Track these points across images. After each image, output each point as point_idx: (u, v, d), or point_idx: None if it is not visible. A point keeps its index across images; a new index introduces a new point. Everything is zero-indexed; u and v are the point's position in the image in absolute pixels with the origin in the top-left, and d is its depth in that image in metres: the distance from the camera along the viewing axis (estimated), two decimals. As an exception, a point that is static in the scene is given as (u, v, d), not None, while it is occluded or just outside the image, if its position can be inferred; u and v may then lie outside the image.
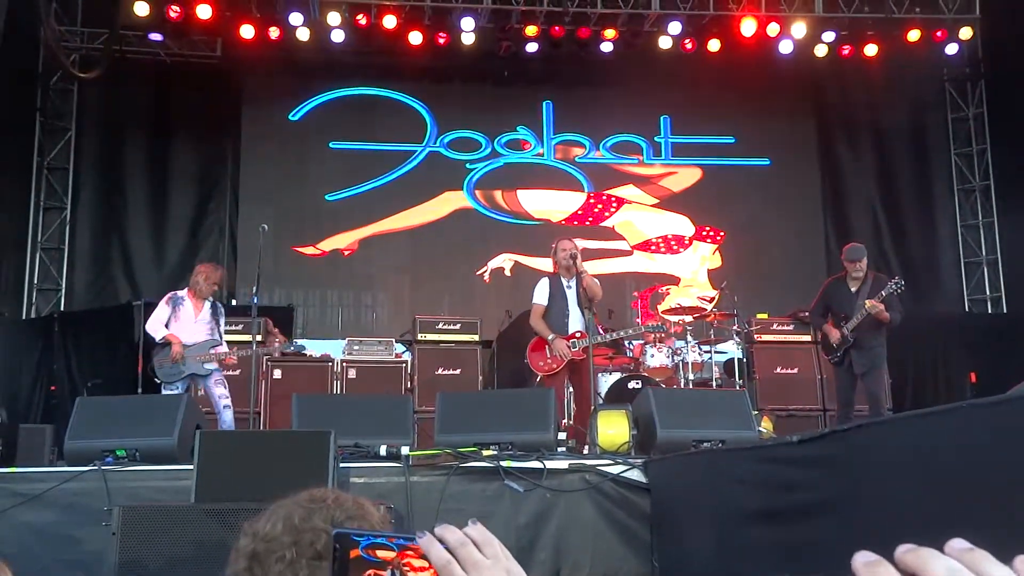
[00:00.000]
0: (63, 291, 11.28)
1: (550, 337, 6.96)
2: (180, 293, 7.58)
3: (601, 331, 7.27)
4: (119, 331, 9.45)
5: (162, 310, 7.43)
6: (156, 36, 11.08)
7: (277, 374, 8.66)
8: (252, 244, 9.97)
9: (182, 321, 7.38)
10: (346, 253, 11.70)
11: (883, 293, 7.10)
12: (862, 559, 0.64)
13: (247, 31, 10.87)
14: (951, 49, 11.65)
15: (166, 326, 7.35)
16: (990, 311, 12.06)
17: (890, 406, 8.73)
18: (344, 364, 8.93)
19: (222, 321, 7.54)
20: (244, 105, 11.81)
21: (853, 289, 7.36)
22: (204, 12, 10.50)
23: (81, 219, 11.49)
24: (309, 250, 11.61)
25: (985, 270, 12.27)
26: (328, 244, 11.65)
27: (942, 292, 12.24)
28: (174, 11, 10.46)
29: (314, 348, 9.55)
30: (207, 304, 7.51)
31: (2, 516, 4.43)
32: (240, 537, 1.40)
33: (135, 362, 8.39)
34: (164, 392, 7.16)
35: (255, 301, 7.25)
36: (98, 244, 11.46)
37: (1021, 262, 11.65)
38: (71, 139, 11.52)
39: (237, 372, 8.12)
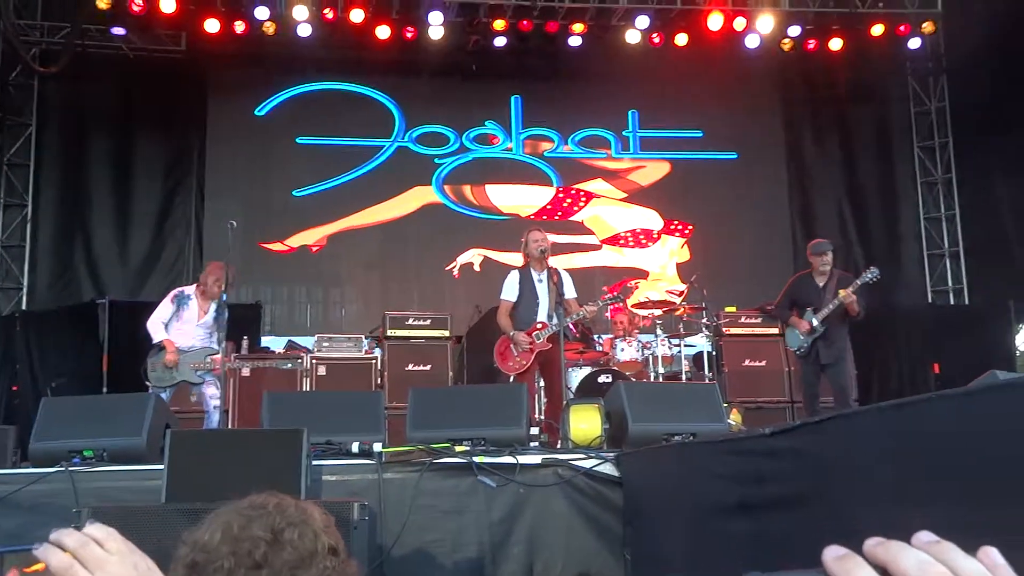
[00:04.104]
0: (25, 290, 11.10)
1: (511, 332, 7.00)
2: (187, 291, 7.21)
3: (571, 327, 7.25)
4: (83, 330, 9.32)
5: (165, 308, 7.07)
6: (119, 30, 10.94)
7: (246, 372, 8.59)
8: (218, 240, 9.87)
9: (184, 321, 7.06)
10: (314, 249, 11.61)
11: (858, 282, 7.16)
12: (832, 554, 0.64)
13: (212, 25, 10.76)
14: (914, 43, 11.82)
15: (166, 325, 7.01)
16: (952, 303, 12.24)
17: (856, 397, 8.83)
18: (313, 361, 8.87)
19: (224, 324, 6.92)
20: (210, 100, 11.67)
21: (820, 284, 7.43)
22: (168, 5, 10.38)
23: (43, 216, 11.30)
24: (276, 246, 11.51)
25: (947, 262, 12.45)
26: (296, 240, 11.55)
27: (905, 284, 12.40)
28: (137, 4, 10.33)
29: (281, 347, 9.49)
30: (213, 305, 7.16)
31: (-33, 519, 4.35)
32: (180, 546, 1.37)
33: (100, 361, 8.27)
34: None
35: (223, 299, 7.14)
36: (61, 241, 11.28)
37: (983, 254, 11.85)
38: (32, 135, 11.32)
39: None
